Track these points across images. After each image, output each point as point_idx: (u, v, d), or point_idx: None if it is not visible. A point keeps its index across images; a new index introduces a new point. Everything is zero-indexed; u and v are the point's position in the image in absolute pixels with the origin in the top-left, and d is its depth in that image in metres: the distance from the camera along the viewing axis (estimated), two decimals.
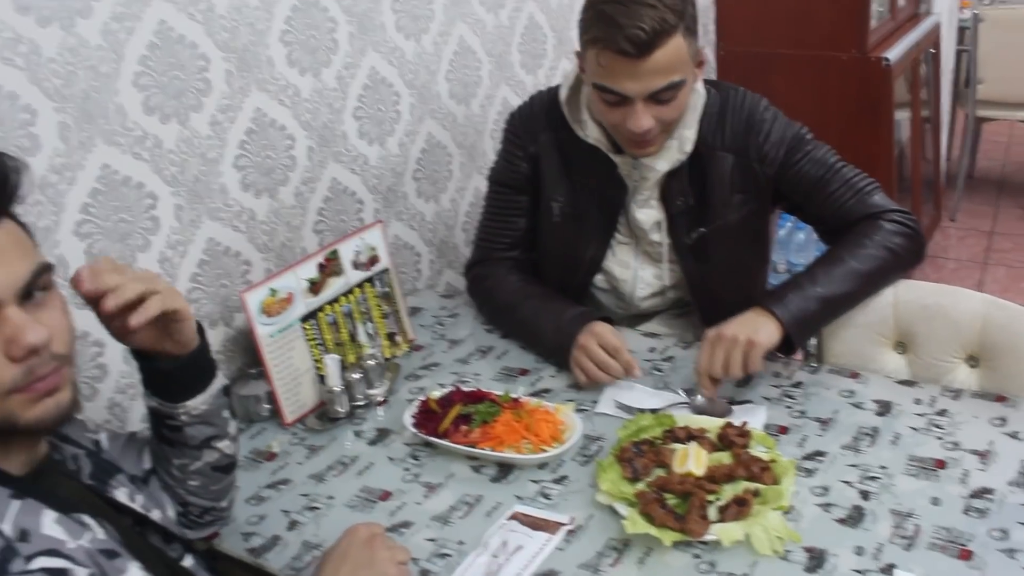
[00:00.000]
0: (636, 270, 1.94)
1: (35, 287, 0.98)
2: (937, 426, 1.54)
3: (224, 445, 1.33)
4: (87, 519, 0.99)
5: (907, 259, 1.74)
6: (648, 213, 1.87)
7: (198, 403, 1.26)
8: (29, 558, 0.88)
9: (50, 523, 0.93)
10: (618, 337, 1.73)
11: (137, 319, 1.09)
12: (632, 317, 2.02)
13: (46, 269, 1.00)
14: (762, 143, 1.78)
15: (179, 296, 1.16)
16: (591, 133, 1.80)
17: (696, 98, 1.75)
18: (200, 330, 1.25)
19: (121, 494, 1.17)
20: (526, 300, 1.90)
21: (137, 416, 1.69)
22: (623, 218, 1.90)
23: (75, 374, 1.04)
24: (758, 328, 1.61)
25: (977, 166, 5.11)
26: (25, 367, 0.95)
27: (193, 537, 1.39)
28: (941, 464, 1.44)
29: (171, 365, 1.21)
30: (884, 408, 1.60)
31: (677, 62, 1.60)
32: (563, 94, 1.84)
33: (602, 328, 1.75)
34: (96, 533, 0.99)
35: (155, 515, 1.21)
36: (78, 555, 0.92)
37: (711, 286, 1.92)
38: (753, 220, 1.87)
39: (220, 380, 1.30)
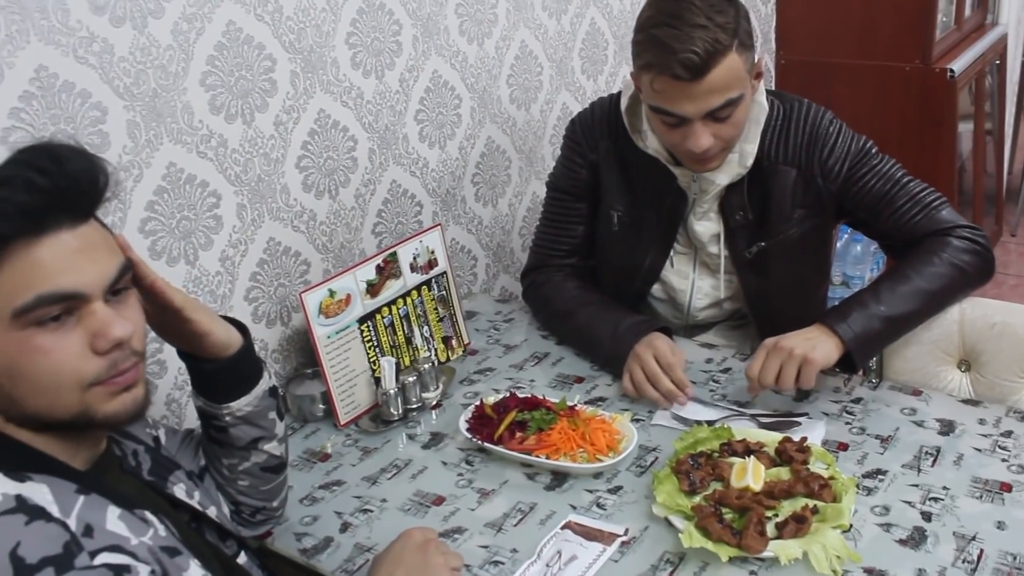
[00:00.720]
0: (694, 280, 1.92)
1: (119, 284, 1.01)
2: (1003, 448, 1.50)
3: (271, 447, 1.34)
4: (149, 516, 1.01)
5: (975, 276, 1.71)
6: (707, 225, 1.85)
7: (242, 404, 1.27)
8: (93, 553, 0.89)
9: (114, 519, 0.94)
10: (676, 354, 1.71)
11: (157, 284, 1.13)
12: (688, 328, 2.01)
13: (128, 268, 1.03)
14: (826, 157, 1.75)
15: (203, 310, 1.20)
16: (651, 144, 1.78)
17: (758, 111, 1.73)
18: (244, 333, 1.27)
19: (179, 491, 1.18)
20: (584, 307, 1.89)
21: (194, 413, 1.68)
22: (682, 228, 1.88)
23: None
24: (816, 345, 1.59)
25: None
26: (109, 360, 0.98)
27: (247, 535, 1.40)
28: (1007, 487, 1.41)
29: (213, 366, 1.24)
30: (947, 427, 1.57)
31: (733, 79, 1.58)
32: (624, 103, 1.82)
33: (661, 342, 1.73)
34: (158, 530, 1.00)
35: (211, 512, 1.22)
36: (140, 552, 0.93)
37: (769, 300, 1.89)
38: (814, 235, 1.84)
39: (266, 383, 1.31)
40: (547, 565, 1.32)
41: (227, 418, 1.28)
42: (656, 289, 1.96)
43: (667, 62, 1.54)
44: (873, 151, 1.77)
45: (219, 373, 1.24)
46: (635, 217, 1.89)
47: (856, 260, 3.44)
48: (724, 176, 1.75)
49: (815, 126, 1.76)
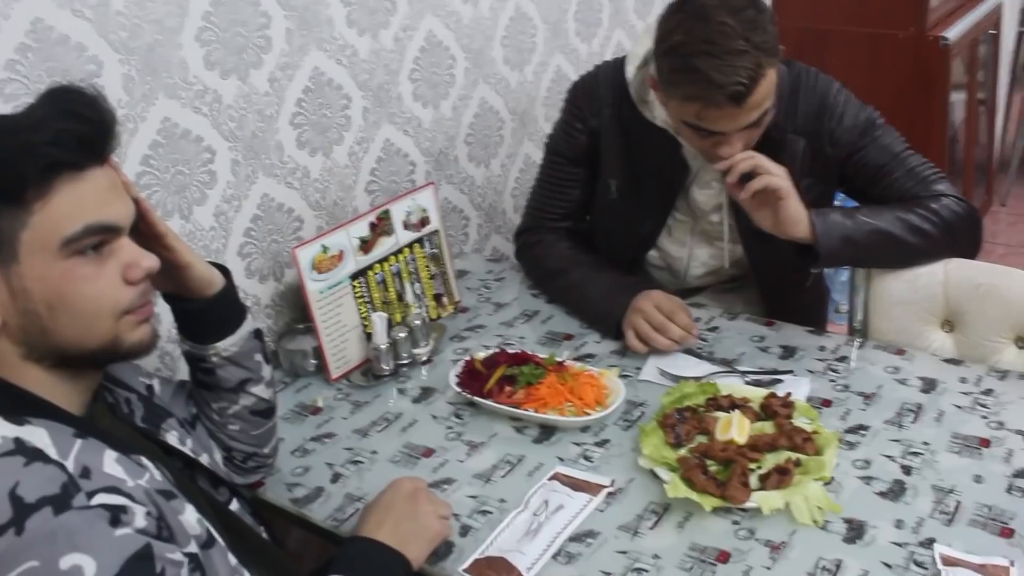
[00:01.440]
0: (692, 249, 1.93)
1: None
2: (982, 405, 1.53)
3: (259, 390, 1.37)
4: (144, 461, 1.02)
5: (958, 233, 1.72)
6: (709, 195, 1.85)
7: (228, 345, 1.31)
8: (91, 494, 0.90)
9: (111, 462, 0.96)
10: (675, 300, 1.74)
11: (144, 203, 1.16)
12: (682, 291, 2.02)
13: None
14: (835, 127, 1.74)
15: (183, 243, 1.23)
16: (659, 116, 1.77)
17: None
18: (227, 275, 1.30)
19: (172, 438, 1.21)
20: (576, 267, 1.91)
21: (186, 366, 1.72)
22: (682, 197, 1.88)
23: None
24: (794, 201, 1.60)
25: None
26: (139, 290, 1.04)
27: (240, 483, 1.43)
28: (985, 443, 1.44)
29: (197, 306, 1.27)
30: (929, 385, 1.60)
31: (769, 92, 1.55)
32: (630, 72, 1.80)
33: (658, 293, 1.75)
34: (154, 474, 1.01)
35: (204, 459, 1.24)
36: (137, 494, 0.95)
37: (775, 267, 1.89)
38: (820, 203, 1.83)
39: (250, 324, 1.34)
40: (534, 514, 1.35)
41: (214, 359, 1.30)
42: (652, 256, 1.98)
43: (712, 96, 1.49)
44: (879, 122, 1.76)
45: (203, 313, 1.27)
46: (634, 186, 1.88)
47: None
48: None
49: (824, 95, 1.75)
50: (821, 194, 1.82)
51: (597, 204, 1.97)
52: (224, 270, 1.30)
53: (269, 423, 1.42)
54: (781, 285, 1.94)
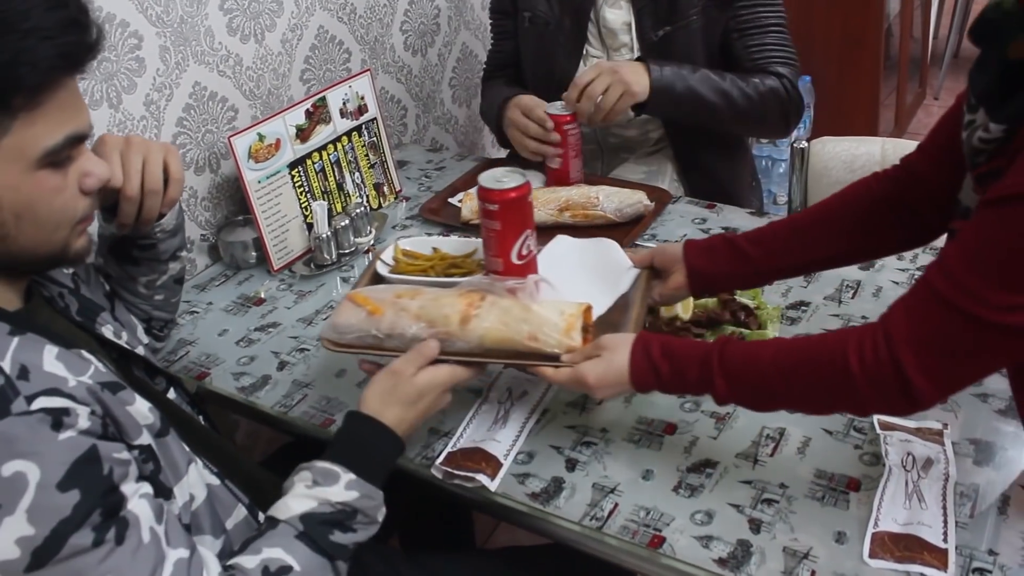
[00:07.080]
0: None
1: None
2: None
3: (184, 255, 1.41)
4: (85, 354, 0.98)
5: (769, 112, 1.83)
6: (617, 13, 1.91)
7: (169, 219, 1.32)
8: (30, 398, 0.86)
9: (51, 360, 0.91)
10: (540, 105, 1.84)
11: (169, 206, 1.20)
12: (606, 153, 2.07)
13: None
14: None
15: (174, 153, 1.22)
16: None
17: None
18: None
19: (107, 331, 1.17)
20: (501, 92, 1.99)
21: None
22: (593, 28, 1.93)
23: None
24: (639, 80, 1.74)
25: (963, 45, 5.05)
26: (92, 200, 1.03)
27: (159, 347, 1.48)
28: None
29: None
30: (867, 264, 1.62)
31: None
32: None
33: (527, 98, 1.85)
34: (98, 367, 0.97)
35: (140, 350, 1.21)
36: (79, 393, 0.90)
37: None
38: (716, 29, 1.88)
39: None
40: (499, 403, 1.35)
41: (159, 234, 1.31)
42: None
43: None
44: None
45: None
46: (548, 16, 1.95)
47: (780, 180, 3.31)
48: None
49: None
50: (716, 20, 1.87)
51: (521, 45, 2.04)
52: None
53: (181, 289, 1.46)
54: (692, 145, 1.99)
